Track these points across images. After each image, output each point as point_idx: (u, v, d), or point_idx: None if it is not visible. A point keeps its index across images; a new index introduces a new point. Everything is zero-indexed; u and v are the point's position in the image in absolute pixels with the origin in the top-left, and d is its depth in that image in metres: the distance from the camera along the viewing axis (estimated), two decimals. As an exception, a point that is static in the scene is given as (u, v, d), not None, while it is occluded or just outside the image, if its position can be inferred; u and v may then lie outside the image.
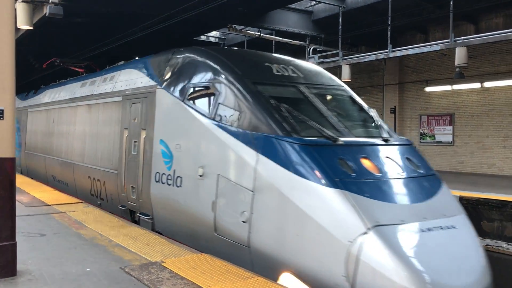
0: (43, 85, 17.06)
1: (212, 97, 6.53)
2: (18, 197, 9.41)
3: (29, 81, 25.97)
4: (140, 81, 8.38)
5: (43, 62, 17.50)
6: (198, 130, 6.49)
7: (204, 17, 13.39)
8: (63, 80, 14.49)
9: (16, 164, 15.50)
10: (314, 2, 17.72)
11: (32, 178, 14.16)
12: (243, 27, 17.58)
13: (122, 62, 10.39)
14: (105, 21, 13.88)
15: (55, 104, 13.25)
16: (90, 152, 10.29)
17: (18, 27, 10.98)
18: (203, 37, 20.98)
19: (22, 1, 11.10)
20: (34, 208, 8.38)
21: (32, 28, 11.69)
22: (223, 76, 6.54)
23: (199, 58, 7.23)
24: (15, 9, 10.71)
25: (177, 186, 6.74)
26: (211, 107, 6.43)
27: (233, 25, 16.16)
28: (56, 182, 12.64)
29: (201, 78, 6.92)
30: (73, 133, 11.49)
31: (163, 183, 7.09)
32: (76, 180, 11.12)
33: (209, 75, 6.77)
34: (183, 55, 7.66)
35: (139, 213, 7.93)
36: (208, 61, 6.99)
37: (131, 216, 8.44)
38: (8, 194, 4.47)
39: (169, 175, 6.94)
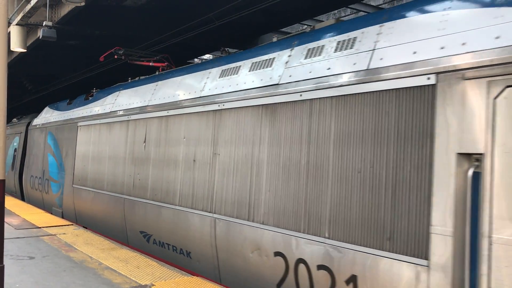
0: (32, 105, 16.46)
1: None
2: (7, 219, 9.34)
3: (23, 102, 26.00)
4: None
5: (37, 84, 17.47)
6: None
7: (196, 41, 13.62)
8: (141, 77, 10.07)
9: (56, 203, 12.30)
10: (305, 26, 17.99)
11: (86, 227, 10.02)
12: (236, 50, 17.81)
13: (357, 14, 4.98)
14: (98, 43, 13.97)
15: (147, 111, 8.23)
16: (286, 205, 5.07)
17: (11, 49, 11.07)
18: (196, 60, 21.18)
19: (16, 24, 11.21)
20: (23, 230, 8.32)
21: (25, 50, 11.78)
22: None
23: None
24: (9, 32, 10.84)
25: None
26: None
27: (226, 48, 16.35)
28: (153, 244, 7.52)
29: None
30: (214, 163, 6.29)
31: None
32: (223, 253, 5.90)
33: None
34: None
35: None
36: None
37: None
38: (-3, 217, 4.45)
39: None
